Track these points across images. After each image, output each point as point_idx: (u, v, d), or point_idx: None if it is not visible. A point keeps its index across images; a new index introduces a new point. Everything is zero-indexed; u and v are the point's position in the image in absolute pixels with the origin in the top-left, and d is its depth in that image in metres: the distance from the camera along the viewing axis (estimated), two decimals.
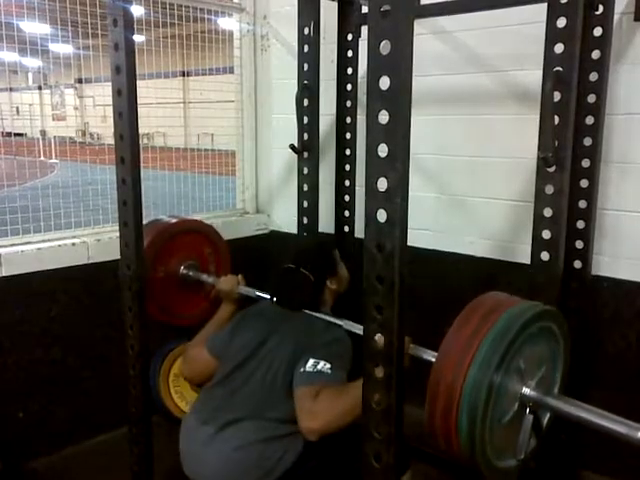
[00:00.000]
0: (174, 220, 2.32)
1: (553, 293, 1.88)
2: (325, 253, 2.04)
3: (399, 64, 1.00)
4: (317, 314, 1.84)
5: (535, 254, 1.87)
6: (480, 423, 1.08)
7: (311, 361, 1.64)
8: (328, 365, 1.63)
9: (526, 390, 1.19)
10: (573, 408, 1.21)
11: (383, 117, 1.03)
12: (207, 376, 1.89)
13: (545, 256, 1.84)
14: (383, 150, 1.04)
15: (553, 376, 1.32)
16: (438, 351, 1.16)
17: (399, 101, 1.01)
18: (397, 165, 1.03)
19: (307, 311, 1.85)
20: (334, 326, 1.78)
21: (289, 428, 1.66)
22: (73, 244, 2.36)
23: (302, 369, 1.64)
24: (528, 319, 1.16)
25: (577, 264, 1.96)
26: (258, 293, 2.10)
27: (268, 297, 1.99)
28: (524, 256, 1.97)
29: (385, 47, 1.00)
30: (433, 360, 1.18)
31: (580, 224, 1.93)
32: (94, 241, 2.40)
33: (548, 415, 1.30)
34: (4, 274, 2.17)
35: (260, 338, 1.81)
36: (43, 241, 2.33)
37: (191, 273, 2.24)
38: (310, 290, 1.88)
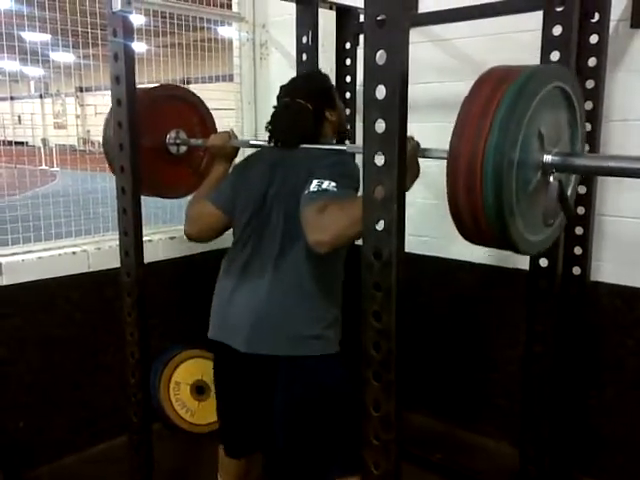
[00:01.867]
0: (155, 86, 2.25)
1: (552, 299, 1.89)
2: (319, 81, 1.90)
3: (395, 73, 1.01)
4: (318, 145, 1.72)
5: (533, 260, 1.87)
6: (506, 191, 1.02)
7: (315, 182, 1.55)
8: (333, 183, 1.53)
9: (548, 157, 1.12)
10: (598, 160, 1.21)
11: (380, 125, 1.04)
12: (218, 230, 1.82)
13: (544, 262, 1.85)
14: (380, 158, 1.05)
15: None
16: (451, 135, 1.06)
17: (395, 110, 1.02)
18: (394, 173, 1.04)
19: (306, 145, 1.72)
20: (336, 152, 1.70)
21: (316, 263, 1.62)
22: (74, 253, 2.37)
23: (306, 191, 1.55)
24: (544, 78, 1.11)
25: (576, 270, 1.96)
26: (253, 142, 1.96)
27: (264, 144, 1.85)
28: (522, 262, 1.97)
29: (381, 57, 1.01)
30: (445, 156, 1.09)
31: (579, 230, 1.93)
32: (94, 249, 2.41)
33: (572, 183, 1.28)
34: (5, 283, 2.17)
35: (265, 183, 1.72)
36: (44, 250, 2.33)
37: (179, 140, 2.14)
38: (310, 119, 1.75)
